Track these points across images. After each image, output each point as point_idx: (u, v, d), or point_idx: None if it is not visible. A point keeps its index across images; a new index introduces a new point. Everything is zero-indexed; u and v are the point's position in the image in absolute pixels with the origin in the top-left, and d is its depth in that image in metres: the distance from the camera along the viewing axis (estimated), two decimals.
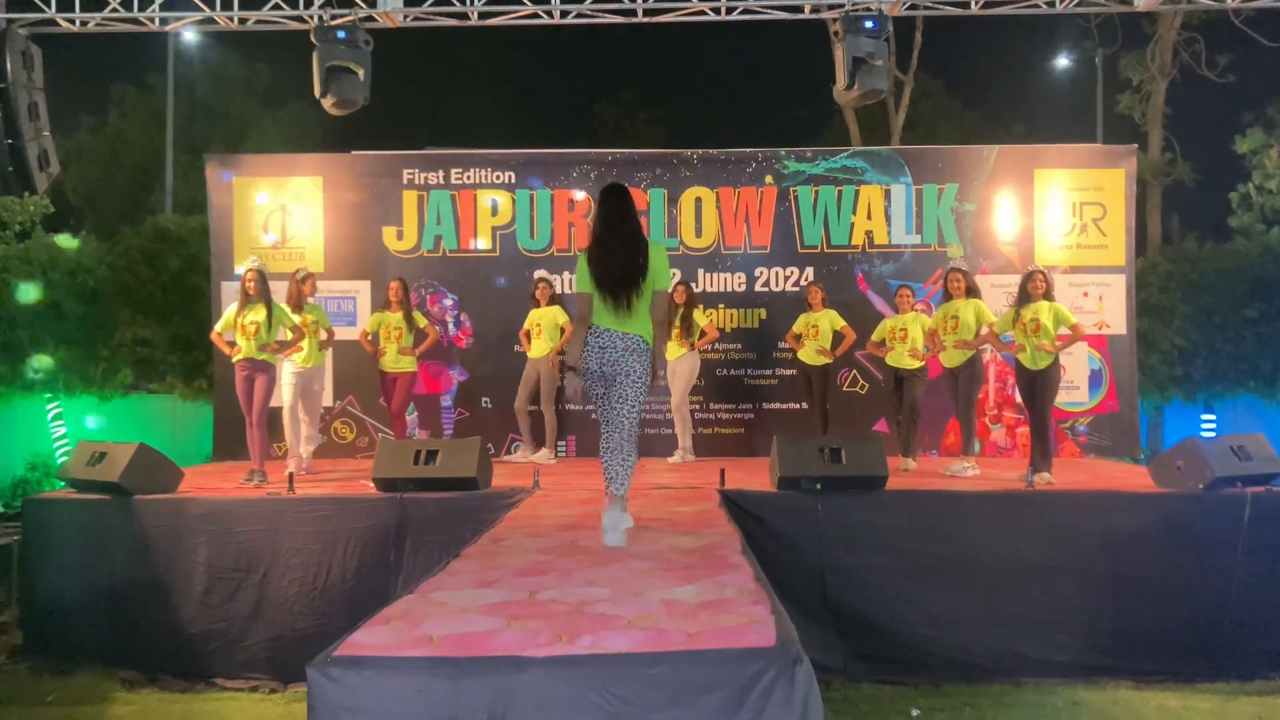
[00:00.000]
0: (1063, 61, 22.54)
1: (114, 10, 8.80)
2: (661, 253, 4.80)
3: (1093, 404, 9.87)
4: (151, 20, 8.88)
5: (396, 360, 8.72)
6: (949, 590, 6.38)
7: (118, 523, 6.69)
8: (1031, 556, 6.43)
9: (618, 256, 4.67)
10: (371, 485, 6.88)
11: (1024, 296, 7.54)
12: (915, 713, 5.71)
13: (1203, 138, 19.68)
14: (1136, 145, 10.70)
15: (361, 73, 8.54)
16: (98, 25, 8.95)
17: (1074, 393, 9.74)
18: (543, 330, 9.10)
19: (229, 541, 6.59)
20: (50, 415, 12.45)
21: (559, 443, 9.47)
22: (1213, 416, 14.28)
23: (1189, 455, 6.67)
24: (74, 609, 6.65)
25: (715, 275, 10.08)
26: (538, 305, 9.23)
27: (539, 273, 9.48)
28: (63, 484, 7.28)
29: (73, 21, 8.88)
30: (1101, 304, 9.88)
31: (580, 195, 10.09)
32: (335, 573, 6.47)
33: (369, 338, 8.91)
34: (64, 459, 9.17)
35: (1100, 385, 9.88)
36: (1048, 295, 7.51)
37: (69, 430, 12.46)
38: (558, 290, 9.69)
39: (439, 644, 2.95)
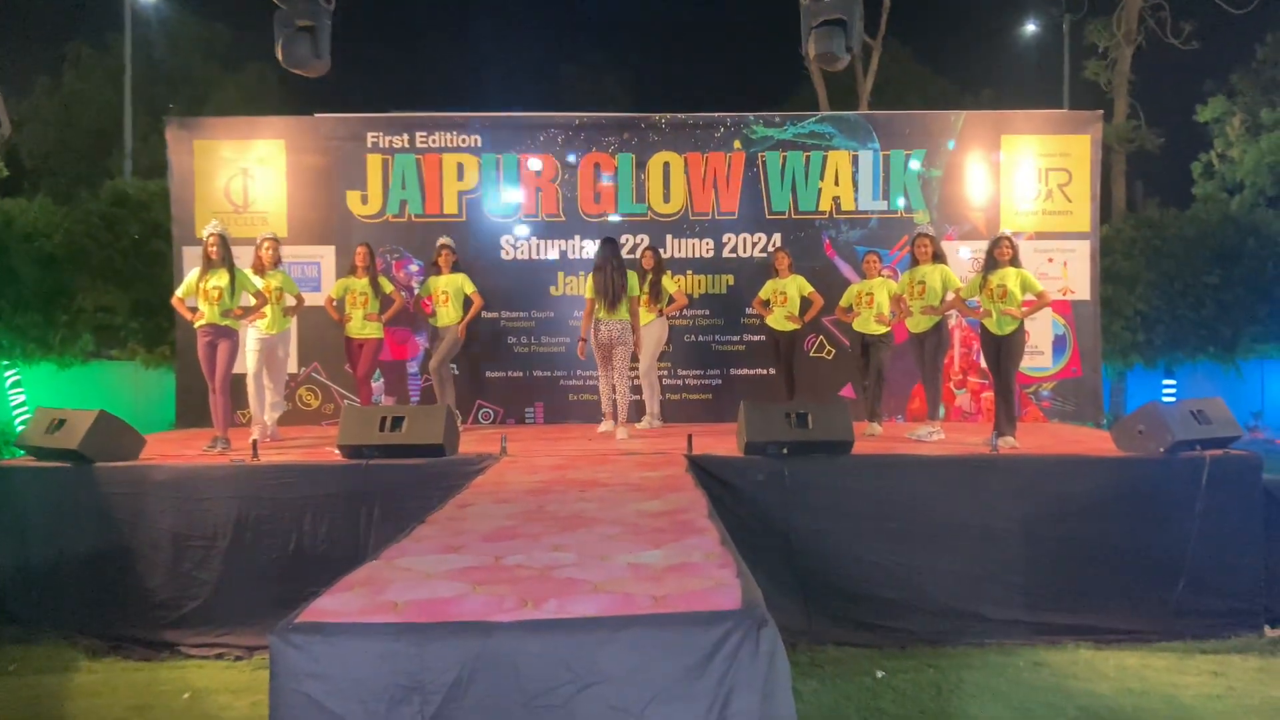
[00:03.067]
0: (1030, 27, 22.59)
1: None
2: (634, 276, 8.42)
3: (1057, 369, 9.97)
4: None
5: (362, 326, 8.65)
6: (913, 553, 6.44)
7: (78, 491, 6.58)
8: (995, 520, 6.50)
9: (612, 280, 8.16)
10: (337, 452, 6.83)
11: (991, 262, 7.58)
12: (880, 674, 5.77)
13: (1167, 105, 19.86)
14: (1102, 111, 10.75)
15: (321, 33, 8.37)
16: None
17: (1038, 358, 9.83)
18: (450, 298, 8.99)
19: (192, 509, 6.52)
20: (8, 383, 12.27)
21: (527, 409, 9.45)
22: (1173, 381, 14.50)
23: (1150, 419, 6.75)
24: (34, 578, 6.56)
25: (683, 241, 10.04)
26: (439, 272, 9.11)
27: (442, 239, 9.22)
28: (21, 452, 7.17)
29: None
30: (1066, 270, 9.96)
31: (547, 159, 10.00)
32: (300, 540, 6.42)
33: (334, 303, 8.82)
34: (23, 427, 9.03)
35: (1064, 351, 9.98)
36: (1014, 261, 7.54)
37: (28, 397, 12.29)
38: (522, 255, 9.65)
39: (403, 610, 2.93)
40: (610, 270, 8.20)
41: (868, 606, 6.42)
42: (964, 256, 9.83)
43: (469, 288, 9.10)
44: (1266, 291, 13.55)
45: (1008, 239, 7.63)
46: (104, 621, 6.46)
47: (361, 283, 8.69)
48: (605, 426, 8.44)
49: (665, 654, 2.69)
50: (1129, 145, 19.00)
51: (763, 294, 9.17)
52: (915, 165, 9.97)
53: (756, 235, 10.04)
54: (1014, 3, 22.11)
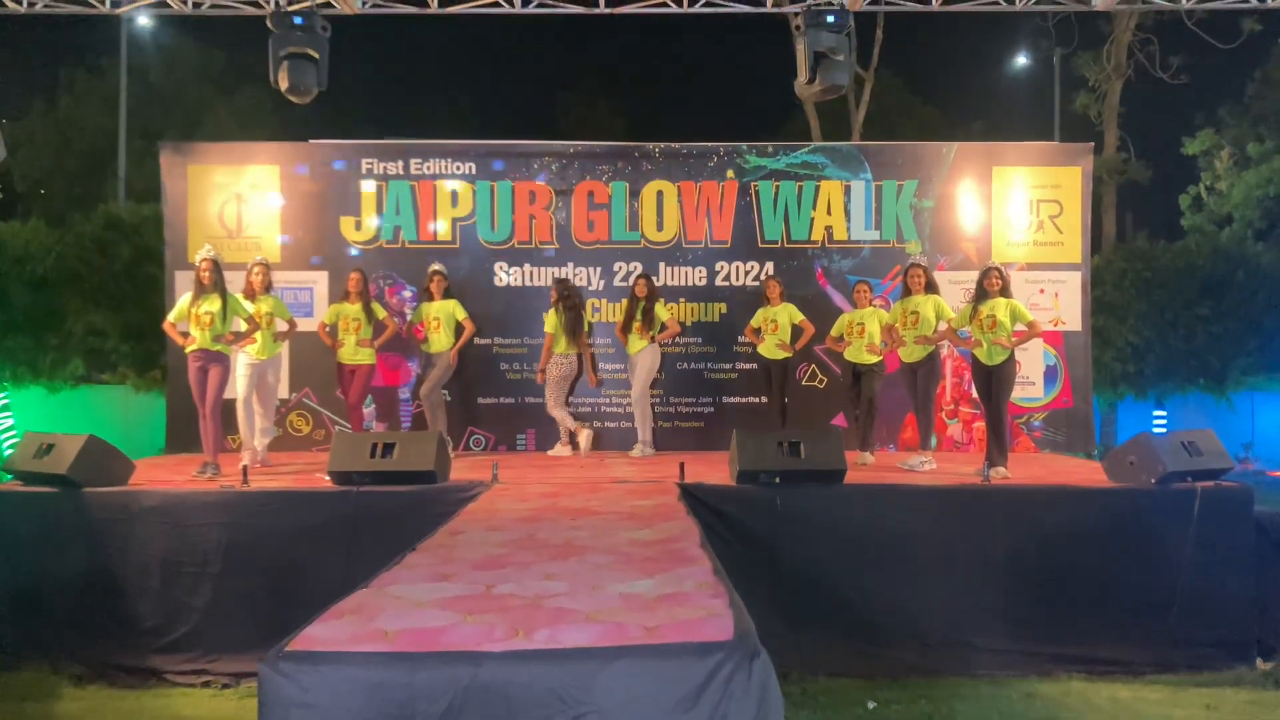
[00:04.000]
0: (1021, 60, 22.80)
1: None
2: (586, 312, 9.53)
3: (1048, 399, 9.99)
4: (102, 2, 8.69)
5: (355, 352, 8.64)
6: (906, 583, 6.43)
7: (66, 516, 6.54)
8: (987, 550, 6.49)
9: (573, 317, 9.10)
10: (327, 478, 6.80)
11: (981, 293, 7.62)
12: (871, 705, 5.74)
13: (1156, 137, 20.03)
14: (1093, 144, 10.83)
15: (319, 60, 8.41)
16: (46, 6, 8.75)
17: (1029, 388, 9.85)
18: (441, 324, 9.03)
19: (181, 535, 6.48)
20: None
21: (518, 436, 9.44)
22: (1164, 412, 14.53)
23: (1141, 451, 6.76)
24: (21, 604, 6.49)
25: (676, 269, 10.06)
26: (431, 298, 9.15)
27: (434, 265, 9.30)
28: (9, 476, 7.12)
29: (20, 2, 8.67)
30: (1057, 301, 9.99)
31: (541, 187, 10.03)
32: (289, 567, 6.37)
33: (327, 329, 8.82)
34: (11, 451, 8.97)
35: (1055, 381, 10.00)
36: (1004, 292, 7.58)
37: (16, 421, 12.22)
38: (515, 282, 9.70)
39: (394, 638, 2.91)
40: (574, 310, 9.13)
41: (860, 636, 6.40)
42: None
43: (460, 314, 9.11)
44: (1256, 324, 13.61)
45: (997, 270, 7.68)
46: (90, 648, 6.40)
47: (354, 308, 8.69)
48: (585, 444, 9.07)
49: (657, 685, 2.67)
50: (1119, 177, 19.15)
51: (754, 322, 9.19)
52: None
53: (749, 264, 10.06)
54: (1005, 35, 22.34)
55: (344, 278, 8.98)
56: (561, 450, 9.24)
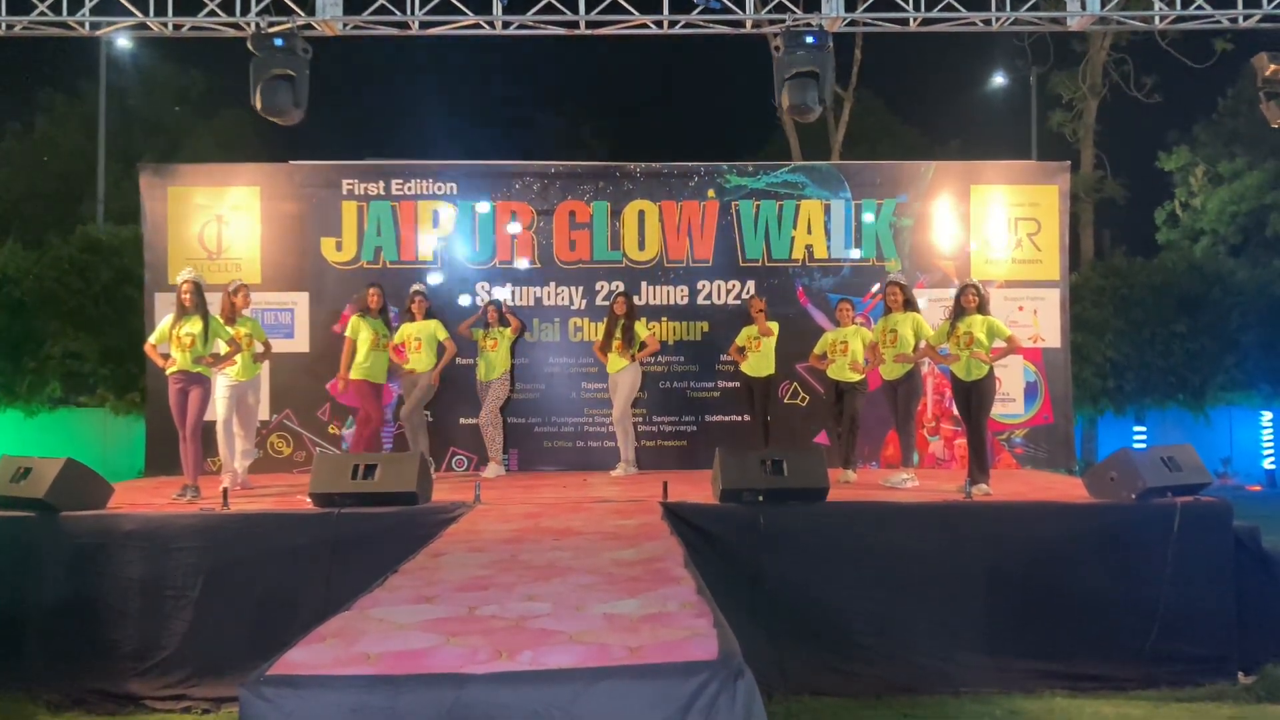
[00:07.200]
0: (998, 79, 23.02)
1: (42, 14, 8.57)
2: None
3: (1028, 416, 10.04)
4: (81, 25, 8.65)
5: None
6: (889, 601, 6.43)
7: (44, 540, 6.47)
8: (970, 567, 6.50)
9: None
10: (308, 500, 6.76)
11: (958, 310, 7.66)
12: None
13: (1132, 155, 20.25)
14: (1070, 162, 10.93)
15: (300, 81, 8.39)
16: (25, 29, 8.71)
17: (1010, 405, 9.90)
18: (423, 344, 9.08)
19: (160, 558, 6.41)
20: None
21: (503, 456, 9.41)
22: (1143, 428, 14.65)
23: (1121, 466, 6.80)
24: None
25: (658, 288, 10.08)
26: (413, 318, 9.20)
27: (415, 286, 9.37)
28: None
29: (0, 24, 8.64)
30: (1036, 318, 10.06)
31: (522, 206, 10.05)
32: (270, 590, 6.32)
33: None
34: None
35: (1035, 398, 10.05)
36: (981, 309, 7.62)
37: None
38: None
39: (376, 661, 2.89)
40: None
41: (843, 655, 6.39)
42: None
43: (442, 334, 9.11)
44: (1233, 340, 13.76)
45: (974, 287, 7.72)
46: (67, 675, 6.31)
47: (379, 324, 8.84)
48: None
49: (642, 706, 2.66)
50: (1095, 195, 19.34)
51: (738, 340, 9.21)
52: (869, 216, 10.09)
53: (730, 283, 10.09)
54: (982, 55, 22.56)
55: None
56: (496, 469, 9.21)
